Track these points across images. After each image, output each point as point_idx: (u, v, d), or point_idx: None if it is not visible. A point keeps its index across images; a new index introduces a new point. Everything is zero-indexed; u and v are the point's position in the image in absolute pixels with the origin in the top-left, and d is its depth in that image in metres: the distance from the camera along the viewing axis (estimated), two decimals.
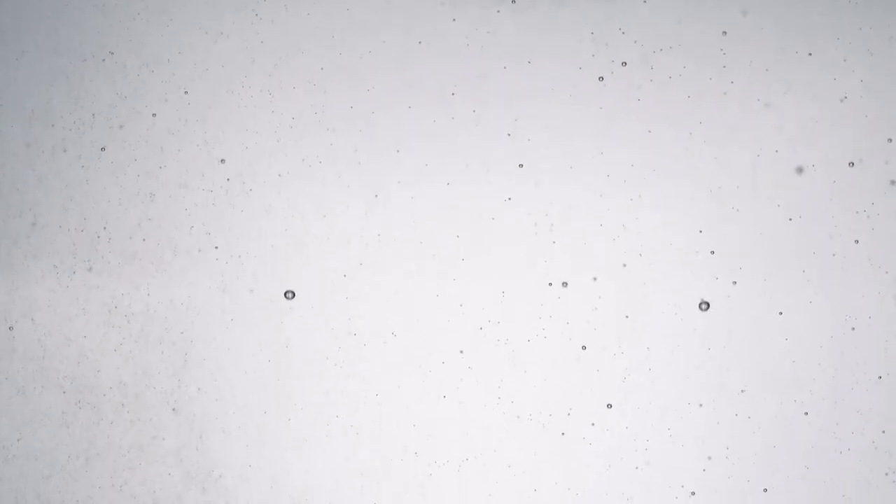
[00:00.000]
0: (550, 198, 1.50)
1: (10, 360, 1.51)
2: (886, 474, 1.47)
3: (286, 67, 1.53)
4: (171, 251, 1.51)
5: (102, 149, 1.52)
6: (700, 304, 1.48)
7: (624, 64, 1.51)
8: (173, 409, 1.50)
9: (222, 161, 1.52)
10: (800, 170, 1.49)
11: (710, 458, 1.48)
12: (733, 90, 1.50)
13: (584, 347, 1.49)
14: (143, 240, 1.51)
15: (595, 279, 1.49)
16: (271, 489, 1.49)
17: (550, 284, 1.49)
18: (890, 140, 1.49)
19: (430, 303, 1.50)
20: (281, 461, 1.49)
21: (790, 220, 1.49)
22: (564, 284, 1.49)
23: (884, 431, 1.47)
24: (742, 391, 1.48)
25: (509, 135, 1.51)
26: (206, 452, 1.50)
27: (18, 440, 1.50)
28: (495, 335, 1.49)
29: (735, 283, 1.49)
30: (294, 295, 1.50)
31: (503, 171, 1.51)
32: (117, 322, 1.51)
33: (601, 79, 1.51)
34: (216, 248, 1.51)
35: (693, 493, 1.48)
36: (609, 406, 1.49)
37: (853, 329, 1.48)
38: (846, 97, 1.50)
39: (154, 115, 1.52)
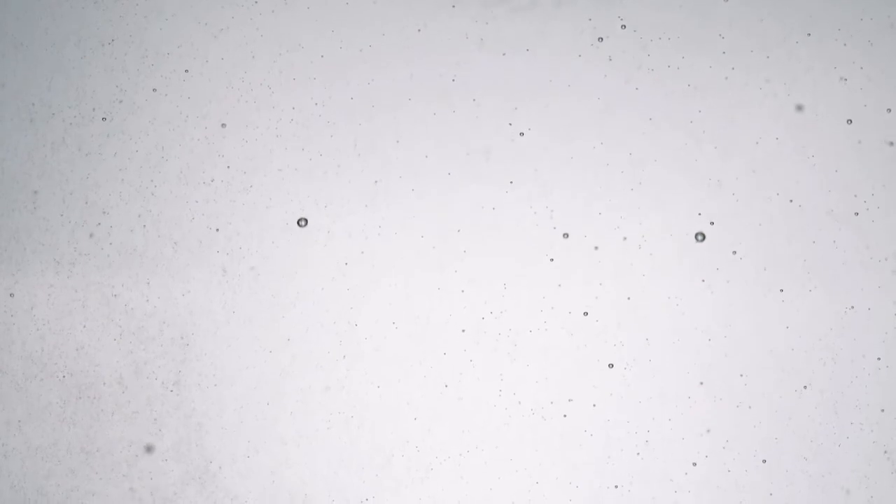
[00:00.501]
0: (551, 186, 1.50)
1: (10, 353, 1.50)
2: (885, 452, 1.47)
3: (286, 61, 1.53)
4: (171, 244, 1.51)
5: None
6: (696, 236, 1.48)
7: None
8: (173, 403, 1.49)
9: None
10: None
11: (709, 430, 1.48)
12: (733, 77, 1.51)
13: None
14: (144, 233, 1.51)
15: (596, 268, 1.49)
16: (272, 483, 1.49)
17: (552, 260, 1.49)
18: (889, 111, 1.50)
19: (431, 295, 1.50)
20: (281, 455, 1.49)
21: (790, 207, 1.49)
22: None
23: (883, 410, 1.47)
24: (741, 375, 1.48)
25: (510, 124, 1.51)
26: (205, 446, 1.49)
27: (18, 434, 1.50)
28: (497, 327, 1.49)
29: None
30: (307, 222, 1.49)
31: (503, 161, 1.51)
32: (117, 316, 1.50)
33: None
34: (217, 241, 1.51)
35: (695, 464, 1.47)
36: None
37: (853, 307, 1.48)
38: (846, 83, 1.50)
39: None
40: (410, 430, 1.49)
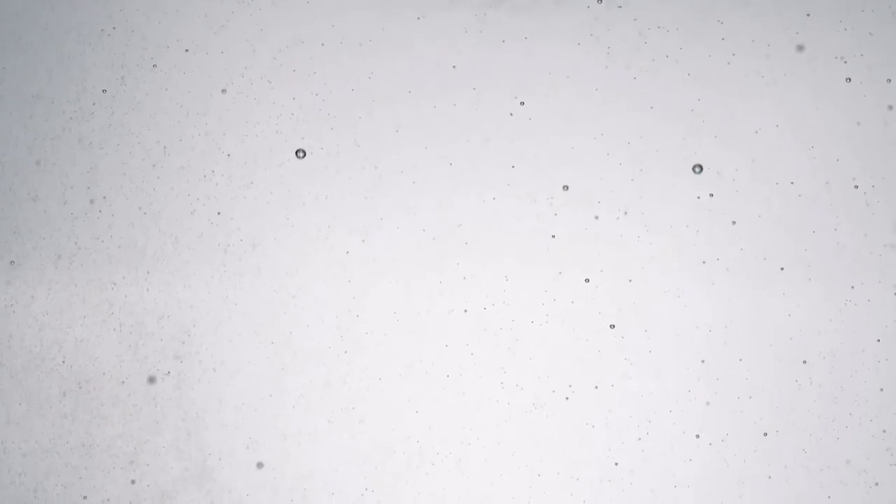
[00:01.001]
0: (551, 176, 1.50)
1: (9, 348, 1.50)
2: (884, 431, 1.47)
3: (286, 55, 1.54)
4: (171, 239, 1.51)
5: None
6: (694, 168, 1.48)
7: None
8: (173, 398, 1.49)
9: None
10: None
11: (708, 404, 1.47)
12: (735, 62, 1.51)
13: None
14: (144, 228, 1.51)
15: (596, 259, 1.49)
16: (273, 479, 1.48)
17: (553, 237, 1.49)
18: (891, 107, 1.50)
19: (432, 287, 1.50)
20: (281, 451, 1.48)
21: (790, 196, 1.49)
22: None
23: (882, 389, 1.47)
24: (741, 360, 1.47)
25: (511, 114, 1.51)
26: (206, 442, 1.49)
27: (17, 429, 1.49)
28: (498, 320, 1.49)
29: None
30: (305, 154, 1.49)
31: (504, 151, 1.51)
32: (116, 311, 1.50)
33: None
34: (217, 235, 1.51)
35: (697, 439, 1.47)
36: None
37: (852, 287, 1.48)
38: (847, 76, 1.51)
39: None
40: (411, 424, 1.48)
